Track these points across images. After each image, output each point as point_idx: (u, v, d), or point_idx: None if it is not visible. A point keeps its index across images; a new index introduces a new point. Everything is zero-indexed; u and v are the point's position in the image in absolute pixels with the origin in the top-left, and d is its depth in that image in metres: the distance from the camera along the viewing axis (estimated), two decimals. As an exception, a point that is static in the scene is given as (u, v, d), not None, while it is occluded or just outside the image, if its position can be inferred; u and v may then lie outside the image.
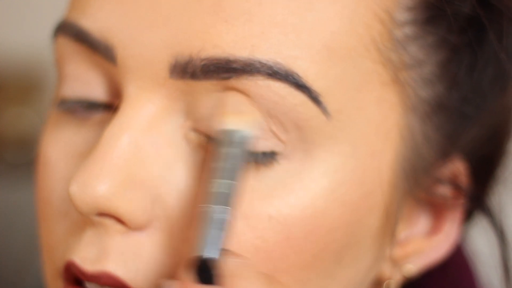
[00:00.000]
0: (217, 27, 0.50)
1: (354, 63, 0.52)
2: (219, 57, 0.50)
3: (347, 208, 0.52)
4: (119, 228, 0.51)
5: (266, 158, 0.51)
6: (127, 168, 0.51)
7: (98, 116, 0.55)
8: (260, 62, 0.50)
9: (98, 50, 0.53)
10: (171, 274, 0.51)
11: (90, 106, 0.55)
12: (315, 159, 0.51)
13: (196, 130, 0.52)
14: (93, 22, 0.53)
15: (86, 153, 0.53)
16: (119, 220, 0.51)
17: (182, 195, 0.52)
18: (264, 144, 0.51)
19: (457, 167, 0.58)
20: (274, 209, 0.51)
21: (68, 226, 0.54)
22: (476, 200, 0.60)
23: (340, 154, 0.52)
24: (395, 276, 0.58)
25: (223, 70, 0.50)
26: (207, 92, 0.51)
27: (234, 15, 0.50)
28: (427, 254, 0.58)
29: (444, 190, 0.58)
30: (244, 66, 0.50)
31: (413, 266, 0.58)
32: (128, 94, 0.52)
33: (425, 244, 0.58)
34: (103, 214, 0.51)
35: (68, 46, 0.55)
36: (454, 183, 0.58)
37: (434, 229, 0.59)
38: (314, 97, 0.51)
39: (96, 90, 0.55)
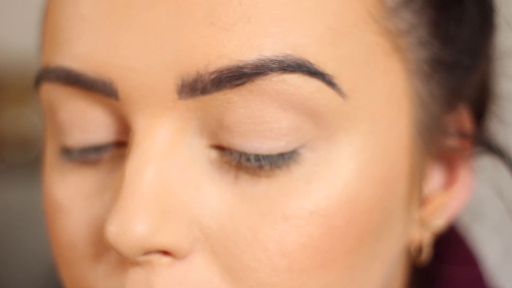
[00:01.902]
0: (218, 37, 0.48)
1: (357, 38, 0.50)
2: (228, 66, 0.48)
3: (378, 184, 0.52)
4: (165, 261, 0.50)
5: (294, 155, 0.50)
6: (159, 200, 0.49)
7: (107, 155, 0.53)
8: (270, 60, 0.48)
9: (95, 89, 0.50)
10: None
11: (97, 149, 0.53)
12: (339, 144, 0.50)
13: (213, 146, 0.51)
14: (83, 61, 0.50)
15: (103, 192, 0.52)
16: (164, 253, 0.50)
17: (215, 212, 0.50)
18: (290, 142, 0.50)
19: (462, 115, 0.58)
20: (312, 203, 0.50)
21: (104, 268, 0.52)
22: (484, 142, 0.60)
23: (360, 133, 0.51)
24: (425, 236, 0.58)
25: (235, 78, 0.48)
26: (216, 103, 0.49)
27: (232, 21, 0.48)
28: (450, 205, 0.59)
29: (453, 140, 0.58)
30: (256, 68, 0.48)
31: (440, 221, 0.59)
32: (138, 126, 0.50)
33: (446, 196, 0.59)
34: (148, 252, 0.49)
35: (57, 92, 0.52)
36: (460, 131, 0.58)
37: (450, 181, 0.59)
38: (328, 81, 0.49)
39: (100, 132, 0.52)
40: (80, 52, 0.50)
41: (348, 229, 0.50)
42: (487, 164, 0.62)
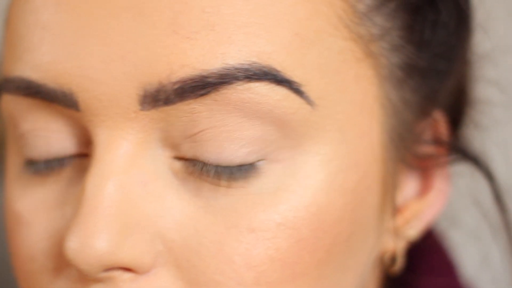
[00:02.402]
0: (180, 45, 0.46)
1: (327, 44, 0.49)
2: (192, 76, 0.46)
3: (348, 195, 0.50)
4: (127, 277, 0.48)
5: (253, 168, 0.48)
6: (120, 215, 0.47)
7: (70, 166, 0.51)
8: (235, 68, 0.46)
9: (55, 100, 0.48)
10: None
11: (60, 161, 0.51)
12: (306, 154, 0.49)
13: (176, 157, 0.49)
14: (43, 71, 0.48)
15: (64, 204, 0.50)
16: (126, 269, 0.48)
17: (179, 225, 0.48)
18: (250, 154, 0.48)
19: (437, 121, 0.57)
20: (280, 215, 0.48)
21: (64, 283, 0.50)
22: (459, 149, 0.59)
23: (331, 142, 0.49)
24: (398, 245, 0.57)
25: (199, 87, 0.46)
26: (180, 113, 0.47)
27: (195, 29, 0.46)
28: (424, 213, 0.57)
29: (428, 147, 0.56)
30: (220, 77, 0.46)
31: (415, 230, 0.57)
32: (99, 138, 0.48)
33: (420, 205, 0.57)
34: (109, 269, 0.47)
35: (18, 103, 0.50)
36: (436, 138, 0.57)
37: (425, 188, 0.57)
38: (295, 89, 0.47)
39: (62, 143, 0.50)
40: (40, 62, 0.48)
41: (317, 241, 0.49)
42: (463, 170, 0.61)
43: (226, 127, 0.47)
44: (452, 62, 0.56)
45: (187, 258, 0.48)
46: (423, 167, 0.57)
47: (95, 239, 0.46)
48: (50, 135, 0.50)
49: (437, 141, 0.57)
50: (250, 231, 0.48)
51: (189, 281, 0.48)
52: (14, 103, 0.51)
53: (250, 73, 0.46)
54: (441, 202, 0.58)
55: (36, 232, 0.51)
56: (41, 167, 0.51)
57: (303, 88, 0.48)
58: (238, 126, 0.47)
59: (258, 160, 0.48)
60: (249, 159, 0.48)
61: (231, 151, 0.48)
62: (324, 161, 0.49)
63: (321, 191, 0.49)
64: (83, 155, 0.51)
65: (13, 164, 0.54)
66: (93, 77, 0.47)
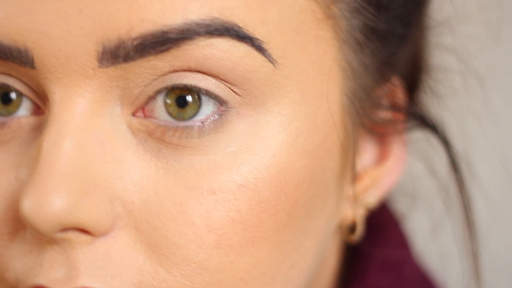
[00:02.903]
0: (140, 0, 0.45)
1: (288, 3, 0.48)
2: (152, 32, 0.45)
3: (309, 157, 0.49)
4: (84, 239, 0.47)
5: (219, 122, 0.47)
6: (78, 174, 0.46)
7: (22, 127, 0.49)
8: (196, 23, 0.45)
9: (10, 57, 0.47)
10: (147, 268, 0.47)
11: (15, 121, 0.49)
12: (268, 113, 0.48)
13: (135, 114, 0.48)
14: None
15: (18, 166, 0.49)
16: (83, 231, 0.46)
17: (138, 187, 0.47)
18: (215, 107, 0.47)
19: (395, 87, 0.56)
20: (241, 176, 0.47)
21: (20, 247, 0.48)
22: (416, 115, 0.59)
23: (291, 103, 0.48)
24: (357, 213, 0.56)
25: (159, 43, 0.45)
26: (140, 70, 0.46)
27: None
28: (383, 181, 0.57)
29: (386, 113, 0.56)
30: (181, 33, 0.45)
31: (373, 197, 0.57)
32: (56, 96, 0.47)
33: (378, 172, 0.57)
34: (65, 229, 0.46)
35: None
36: (393, 104, 0.57)
37: (383, 155, 0.57)
38: (257, 46, 0.47)
39: (18, 103, 0.49)
40: None
41: (278, 204, 0.48)
42: (419, 139, 0.61)
43: (187, 83, 0.47)
44: (410, 26, 0.55)
45: (147, 220, 0.47)
46: (381, 134, 0.56)
47: (52, 197, 0.45)
48: (6, 94, 0.49)
49: (394, 107, 0.57)
50: (210, 193, 0.47)
51: (149, 244, 0.47)
52: None
53: (212, 29, 0.45)
54: (399, 169, 0.57)
55: None
56: None
57: (265, 46, 0.47)
58: (199, 83, 0.47)
59: (221, 116, 0.47)
60: (213, 116, 0.47)
61: (195, 109, 0.47)
62: (285, 122, 0.48)
63: (282, 152, 0.48)
64: (38, 115, 0.49)
65: None
66: (50, 33, 0.46)
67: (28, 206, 0.45)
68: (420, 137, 0.60)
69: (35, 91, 0.49)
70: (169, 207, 0.47)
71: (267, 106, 0.48)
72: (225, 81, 0.47)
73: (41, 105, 0.49)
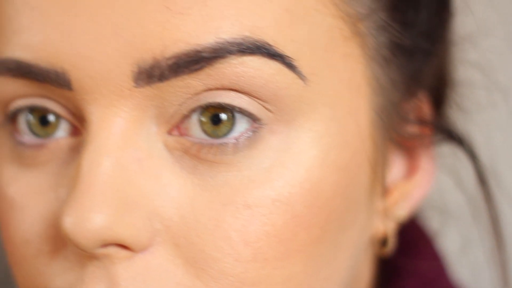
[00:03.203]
0: (173, 21, 0.46)
1: (316, 21, 0.49)
2: (186, 51, 0.46)
3: (341, 172, 0.50)
4: (124, 254, 0.47)
5: (253, 139, 0.48)
6: (117, 191, 0.46)
7: (60, 148, 0.50)
8: (228, 42, 0.46)
9: (47, 80, 0.48)
10: (185, 282, 0.48)
11: (54, 143, 0.50)
12: (300, 129, 0.49)
13: (171, 133, 0.49)
14: (34, 52, 0.48)
15: (57, 187, 0.50)
16: (123, 247, 0.47)
17: (175, 203, 0.48)
18: (248, 124, 0.48)
19: (421, 102, 0.57)
20: (275, 192, 0.48)
21: (61, 264, 0.49)
22: (443, 129, 0.59)
23: (322, 119, 0.49)
24: (388, 227, 0.57)
25: (193, 62, 0.46)
26: (174, 90, 0.47)
27: (187, 4, 0.46)
28: (412, 194, 0.57)
29: (413, 128, 0.57)
30: (214, 52, 0.46)
31: (403, 210, 0.57)
32: (93, 116, 0.47)
33: (408, 185, 0.57)
34: (106, 244, 0.47)
35: (8, 85, 0.49)
36: (420, 118, 0.57)
37: (412, 169, 0.58)
38: (288, 63, 0.47)
39: (55, 125, 0.50)
40: (30, 43, 0.48)
41: (311, 218, 0.49)
42: (446, 153, 0.61)
43: (222, 103, 0.47)
44: (434, 42, 0.56)
45: (185, 236, 0.47)
46: (409, 147, 0.57)
47: (93, 214, 0.46)
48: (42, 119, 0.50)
49: (421, 121, 0.57)
50: (246, 208, 0.47)
51: (187, 258, 0.48)
52: (5, 85, 0.50)
53: (243, 47, 0.46)
54: (427, 182, 0.58)
55: (30, 215, 0.50)
56: (31, 151, 0.51)
57: (295, 63, 0.48)
58: (233, 101, 0.47)
59: (254, 132, 0.48)
60: (247, 133, 0.48)
61: (231, 127, 0.48)
62: (316, 137, 0.49)
63: (314, 167, 0.49)
64: (75, 135, 0.50)
65: (2, 147, 0.53)
66: (86, 55, 0.47)
67: (70, 222, 0.46)
68: (447, 151, 0.61)
69: (72, 112, 0.49)
70: (205, 223, 0.47)
71: (298, 122, 0.49)
72: (257, 98, 0.47)
73: (79, 126, 0.50)
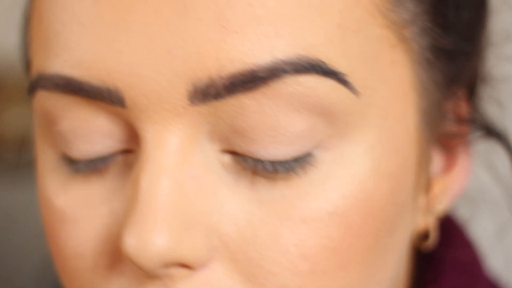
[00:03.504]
0: (229, 40, 0.46)
1: (366, 33, 0.49)
2: (242, 71, 0.46)
3: (391, 179, 0.50)
4: (184, 273, 0.48)
5: (309, 157, 0.48)
6: (177, 211, 0.47)
7: (113, 163, 0.50)
8: (284, 62, 0.46)
9: (99, 97, 0.47)
10: None
11: (103, 159, 0.50)
12: (353, 142, 0.49)
13: (225, 151, 0.49)
14: (85, 69, 0.47)
15: (110, 201, 0.50)
16: (183, 265, 0.48)
17: (233, 219, 0.48)
18: (304, 145, 0.48)
19: (460, 99, 0.57)
20: (330, 204, 0.48)
21: (117, 281, 0.50)
22: (481, 126, 0.60)
23: (373, 129, 0.50)
24: (429, 221, 0.57)
25: (249, 82, 0.46)
26: (229, 108, 0.47)
27: (242, 23, 0.46)
28: (450, 189, 0.58)
29: (452, 125, 0.57)
30: (270, 71, 0.46)
31: (443, 205, 0.58)
32: (148, 134, 0.47)
33: (446, 180, 0.58)
34: (168, 265, 0.47)
35: (56, 100, 0.49)
36: (459, 116, 0.58)
37: (449, 164, 0.58)
38: (342, 79, 0.48)
39: (105, 141, 0.50)
40: (81, 60, 0.47)
41: (366, 227, 0.49)
42: (483, 147, 0.61)
43: (277, 122, 0.47)
44: (475, 41, 0.57)
45: (243, 251, 0.48)
46: (447, 144, 0.58)
47: (156, 236, 0.46)
48: (92, 134, 0.49)
49: (460, 119, 0.58)
50: (303, 222, 0.48)
51: (245, 274, 0.48)
52: (51, 101, 0.50)
53: (299, 66, 0.46)
54: (464, 177, 0.58)
55: (83, 229, 0.50)
56: (82, 167, 0.51)
57: (348, 78, 0.48)
58: (289, 120, 0.47)
59: (313, 149, 0.48)
60: (304, 150, 0.48)
61: (286, 146, 0.48)
62: (368, 148, 0.49)
63: (368, 178, 0.49)
64: (127, 151, 0.50)
65: (48, 160, 0.53)
66: (140, 74, 0.46)
67: (132, 245, 0.46)
68: (484, 145, 0.61)
69: (123, 126, 0.49)
70: (264, 238, 0.48)
71: (351, 134, 0.49)
72: (310, 116, 0.47)
73: (128, 143, 0.50)
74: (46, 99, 0.50)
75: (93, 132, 0.50)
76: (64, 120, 0.50)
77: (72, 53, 0.48)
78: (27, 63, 0.59)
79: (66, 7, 0.49)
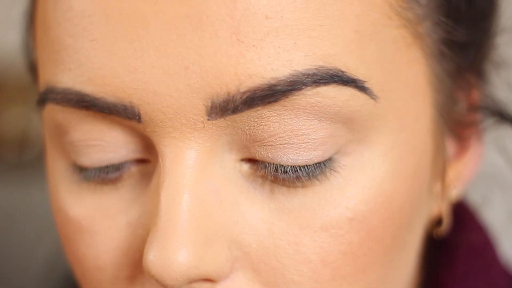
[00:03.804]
0: (246, 54, 0.45)
1: (383, 36, 0.48)
2: (260, 85, 0.45)
3: (409, 179, 0.50)
4: (207, 286, 0.47)
5: (330, 162, 0.48)
6: (199, 227, 0.46)
7: (127, 173, 0.50)
8: (303, 74, 0.45)
9: (114, 112, 0.47)
10: None
11: (116, 168, 0.49)
12: (372, 145, 0.48)
13: (244, 159, 0.48)
14: (99, 85, 0.46)
15: (127, 212, 0.49)
16: (207, 280, 0.47)
17: (254, 229, 0.48)
18: (326, 151, 0.47)
19: (472, 87, 0.57)
20: (351, 211, 0.48)
21: None
22: (492, 110, 0.59)
23: (391, 131, 0.49)
24: (443, 207, 0.57)
25: (268, 96, 0.45)
26: (247, 120, 0.46)
27: (259, 36, 0.45)
28: (463, 174, 0.58)
29: (465, 112, 0.56)
30: (289, 84, 0.45)
31: (457, 190, 0.58)
32: (166, 149, 0.47)
33: (459, 165, 0.57)
34: (192, 282, 0.47)
35: (67, 114, 0.49)
36: (471, 102, 0.57)
37: (462, 150, 0.58)
38: (361, 87, 0.47)
39: (118, 151, 0.49)
40: (94, 75, 0.46)
41: (384, 230, 0.49)
42: (497, 131, 0.61)
43: (298, 131, 0.46)
44: (487, 31, 0.56)
45: (265, 261, 0.48)
46: (460, 129, 0.57)
47: (179, 253, 0.45)
48: (105, 144, 0.49)
49: (472, 106, 0.57)
50: (323, 230, 0.47)
51: (267, 283, 0.48)
52: (62, 114, 0.49)
53: (318, 77, 0.46)
54: (476, 163, 0.58)
55: (101, 241, 0.50)
56: (93, 174, 0.50)
57: (367, 85, 0.47)
58: (310, 128, 0.47)
59: (334, 154, 0.48)
60: (325, 155, 0.47)
61: (308, 151, 0.47)
62: (387, 151, 0.49)
63: (387, 181, 0.49)
64: (141, 161, 0.50)
65: (60, 169, 0.52)
66: (156, 90, 0.46)
67: (155, 263, 0.46)
68: (497, 129, 0.61)
69: (136, 141, 0.49)
70: (285, 247, 0.47)
71: (369, 138, 0.48)
72: (330, 124, 0.47)
73: (144, 153, 0.49)
74: (56, 112, 0.49)
75: (107, 142, 0.49)
76: (76, 131, 0.49)
77: (84, 68, 0.47)
78: (31, 63, 0.59)
79: (76, 21, 0.47)
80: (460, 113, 0.56)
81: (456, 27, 0.52)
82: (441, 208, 0.57)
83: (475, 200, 0.66)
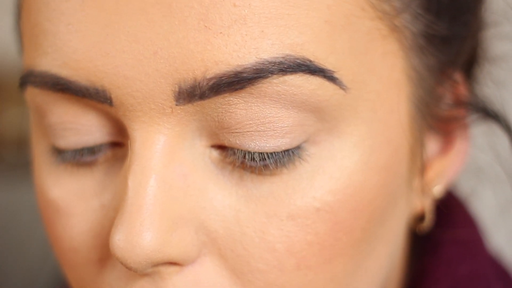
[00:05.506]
0: (213, 41, 0.45)
1: (355, 27, 0.47)
2: (226, 72, 0.45)
3: (382, 172, 0.49)
4: (173, 269, 0.47)
5: (299, 150, 0.47)
6: (164, 211, 0.46)
7: (102, 155, 0.50)
8: (269, 62, 0.45)
9: (87, 95, 0.47)
10: None
11: (91, 151, 0.50)
12: (342, 135, 0.48)
13: (214, 146, 0.48)
14: (72, 69, 0.47)
15: (101, 194, 0.50)
16: (172, 263, 0.47)
17: (221, 215, 0.47)
18: (294, 139, 0.47)
19: (456, 83, 0.56)
20: (318, 200, 0.47)
21: (110, 274, 0.50)
22: (478, 107, 0.58)
23: (363, 122, 0.48)
24: (426, 203, 0.56)
25: (234, 83, 0.45)
26: (216, 106, 0.46)
27: (227, 24, 0.45)
28: (447, 171, 0.57)
29: (449, 109, 0.56)
30: (255, 72, 0.45)
31: (440, 186, 0.57)
32: (136, 133, 0.47)
33: (443, 162, 0.57)
34: (156, 265, 0.47)
35: (45, 96, 0.49)
36: (456, 99, 0.56)
37: (446, 147, 0.57)
38: (329, 76, 0.46)
39: (93, 133, 0.49)
40: (69, 59, 0.47)
41: (353, 221, 0.48)
42: (485, 127, 0.60)
43: (265, 119, 0.46)
44: (469, 24, 0.55)
45: (231, 248, 0.47)
46: (444, 126, 0.56)
47: (143, 238, 0.46)
48: (80, 127, 0.49)
49: (458, 103, 0.56)
50: (290, 219, 0.47)
51: (234, 270, 0.48)
52: (40, 96, 0.50)
53: (284, 66, 0.45)
54: (462, 158, 0.57)
55: (76, 223, 0.50)
56: (69, 157, 0.50)
57: (336, 75, 0.47)
58: (277, 116, 0.46)
59: (303, 143, 0.47)
60: (293, 143, 0.47)
61: (275, 139, 0.47)
62: (358, 141, 0.48)
63: (357, 171, 0.48)
64: (115, 144, 0.50)
65: (40, 152, 0.53)
66: (126, 75, 0.46)
67: (120, 246, 0.46)
68: (486, 125, 0.60)
69: (110, 124, 0.49)
70: (251, 235, 0.47)
71: (339, 128, 0.48)
72: (298, 112, 0.47)
73: (117, 136, 0.49)
74: (35, 95, 0.50)
75: (82, 125, 0.49)
76: (53, 114, 0.50)
77: (60, 52, 0.47)
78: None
79: (53, 6, 0.48)
80: (444, 109, 0.55)
81: (436, 21, 0.52)
82: (423, 204, 0.57)
83: (465, 192, 0.66)
